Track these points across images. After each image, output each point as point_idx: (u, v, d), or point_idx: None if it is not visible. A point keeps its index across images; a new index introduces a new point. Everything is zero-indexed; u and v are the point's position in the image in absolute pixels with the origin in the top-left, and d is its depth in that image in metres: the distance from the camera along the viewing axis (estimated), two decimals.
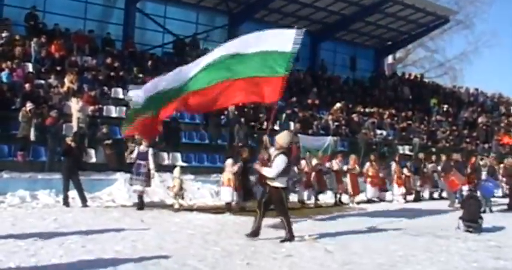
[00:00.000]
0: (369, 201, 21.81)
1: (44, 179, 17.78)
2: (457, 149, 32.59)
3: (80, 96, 21.56)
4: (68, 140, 17.19)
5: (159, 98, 13.28)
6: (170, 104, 13.32)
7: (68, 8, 28.96)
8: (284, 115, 28.11)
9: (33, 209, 15.44)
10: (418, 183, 24.06)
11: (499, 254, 11.30)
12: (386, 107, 36.93)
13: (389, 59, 49.17)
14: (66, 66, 23.95)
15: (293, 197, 19.21)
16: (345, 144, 29.21)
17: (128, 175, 17.53)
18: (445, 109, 41.67)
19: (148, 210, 16.23)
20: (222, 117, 25.50)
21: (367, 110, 34.83)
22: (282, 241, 11.44)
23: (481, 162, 24.92)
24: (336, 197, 21.14)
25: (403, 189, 23.16)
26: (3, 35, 23.87)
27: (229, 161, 17.41)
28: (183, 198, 17.27)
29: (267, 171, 11.75)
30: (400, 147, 31.63)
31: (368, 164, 22.74)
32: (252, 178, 17.51)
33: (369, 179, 22.40)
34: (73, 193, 16.68)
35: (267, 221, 12.33)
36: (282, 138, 11.96)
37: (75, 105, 21.09)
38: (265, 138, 12.61)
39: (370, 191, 22.32)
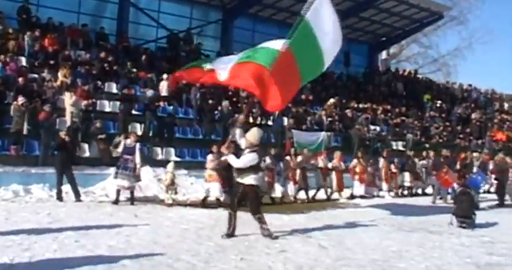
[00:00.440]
0: (356, 197, 21.62)
1: (37, 173, 17.73)
2: (451, 144, 32.69)
3: (73, 91, 21.47)
4: (62, 134, 17.12)
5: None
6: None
7: (61, 1, 28.91)
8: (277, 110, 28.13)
9: (26, 203, 15.40)
10: (409, 179, 24.02)
11: (492, 249, 11.35)
12: (380, 102, 36.96)
13: (383, 54, 49.21)
14: (59, 60, 23.84)
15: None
16: (338, 139, 29.25)
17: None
18: (438, 105, 41.74)
19: (142, 205, 16.21)
20: (216, 112, 25.48)
21: (360, 105, 34.86)
22: (273, 237, 11.40)
23: (474, 157, 24.94)
24: (326, 193, 21.05)
25: (389, 185, 23.24)
26: None
27: (209, 157, 17.40)
28: (176, 193, 17.24)
29: (232, 160, 11.63)
30: (393, 143, 31.68)
31: (355, 160, 22.55)
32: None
33: (356, 176, 22.22)
34: (66, 187, 16.64)
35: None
36: (253, 135, 11.72)
37: (68, 99, 21.03)
38: (238, 131, 12.42)
39: (357, 188, 22.16)
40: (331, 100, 32.06)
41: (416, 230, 13.57)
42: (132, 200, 16.46)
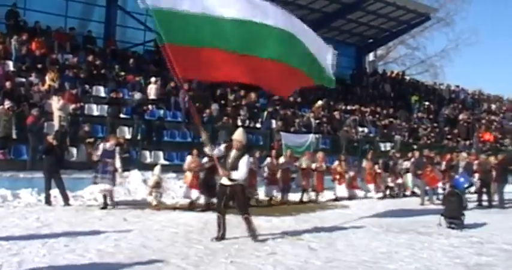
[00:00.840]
0: (340, 199, 21.46)
1: (25, 178, 17.62)
2: (439, 146, 32.84)
3: (61, 95, 21.39)
4: (49, 138, 17.04)
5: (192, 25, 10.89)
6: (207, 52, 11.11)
7: (49, 5, 28.81)
8: (266, 113, 28.18)
9: (15, 208, 15.31)
10: (389, 180, 24.03)
11: (481, 250, 11.41)
12: (367, 104, 37.04)
13: (371, 56, 49.28)
14: (47, 64, 23.81)
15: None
16: (326, 141, 29.26)
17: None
18: (426, 106, 41.90)
19: (131, 208, 16.15)
20: (204, 115, 25.46)
21: (348, 107, 34.92)
22: (258, 240, 11.37)
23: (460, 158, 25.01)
24: (302, 194, 20.70)
25: (372, 187, 23.18)
26: None
27: (188, 159, 17.43)
28: (161, 196, 17.24)
29: (237, 176, 11.39)
30: (381, 145, 31.75)
31: (336, 162, 22.44)
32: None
33: (337, 178, 22.01)
34: (55, 192, 16.55)
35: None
36: (241, 135, 11.60)
37: (56, 103, 20.93)
38: (205, 136, 12.19)
39: (338, 190, 21.93)
40: (319, 102, 32.10)
41: (406, 231, 13.61)
42: (105, 204, 16.17)
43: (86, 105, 23.35)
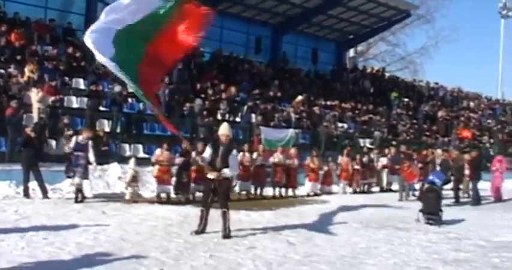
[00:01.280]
0: (310, 195, 21.39)
1: (3, 170, 17.43)
2: (417, 142, 33.04)
3: (40, 86, 21.24)
4: (28, 130, 16.89)
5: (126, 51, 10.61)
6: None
7: None
8: (246, 107, 28.17)
9: None
10: (367, 176, 24.02)
11: (459, 246, 11.53)
12: (347, 100, 37.13)
13: (351, 52, 49.42)
14: (26, 55, 23.58)
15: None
16: (306, 136, 29.30)
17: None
18: (405, 103, 42.09)
19: (109, 202, 16.08)
20: (185, 108, 25.39)
21: (328, 102, 34.96)
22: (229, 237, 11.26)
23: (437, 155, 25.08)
24: (274, 190, 20.64)
25: (346, 183, 23.20)
26: None
27: (156, 152, 17.47)
28: (138, 189, 17.14)
29: (230, 171, 11.48)
30: (361, 141, 31.86)
31: (308, 158, 22.32)
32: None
33: (309, 174, 21.92)
34: (33, 184, 16.45)
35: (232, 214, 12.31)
36: (227, 129, 11.64)
37: (35, 95, 20.78)
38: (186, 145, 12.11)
39: (308, 186, 21.82)
40: (299, 97, 32.09)
41: (384, 227, 13.70)
42: (82, 197, 15.93)
43: (66, 98, 23.20)
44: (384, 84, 44.78)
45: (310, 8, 37.59)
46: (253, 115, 28.01)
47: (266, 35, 39.20)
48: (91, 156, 16.13)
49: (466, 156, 22.57)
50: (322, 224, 13.75)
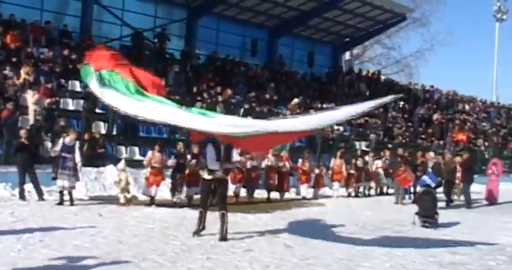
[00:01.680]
0: (304, 198, 21.22)
1: None
2: (413, 145, 33.05)
3: (36, 89, 21.19)
4: (22, 133, 16.73)
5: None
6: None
7: None
8: (242, 110, 28.13)
9: None
10: (362, 179, 23.91)
11: (455, 248, 11.55)
12: (343, 102, 36.97)
13: (347, 55, 49.44)
14: (22, 57, 23.51)
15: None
16: (302, 139, 29.25)
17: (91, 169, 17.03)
18: (401, 106, 42.10)
19: (106, 204, 16.06)
20: None
21: (324, 105, 34.88)
22: (228, 239, 11.24)
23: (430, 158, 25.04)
24: (268, 193, 20.41)
25: (338, 185, 22.87)
26: None
27: (148, 154, 17.41)
28: (128, 192, 16.95)
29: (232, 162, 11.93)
30: (356, 143, 31.87)
31: (300, 160, 22.03)
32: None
33: (301, 177, 21.71)
34: (29, 186, 16.41)
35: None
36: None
37: (31, 97, 20.74)
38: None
39: (301, 189, 21.70)
40: (295, 100, 32.07)
41: (381, 230, 13.73)
42: (71, 200, 15.82)
43: (62, 100, 23.15)
44: (380, 87, 44.71)
45: (306, 11, 37.59)
46: (249, 118, 27.92)
47: (262, 38, 39.16)
48: (77, 157, 16.00)
49: (458, 159, 22.56)
50: (319, 227, 13.79)
